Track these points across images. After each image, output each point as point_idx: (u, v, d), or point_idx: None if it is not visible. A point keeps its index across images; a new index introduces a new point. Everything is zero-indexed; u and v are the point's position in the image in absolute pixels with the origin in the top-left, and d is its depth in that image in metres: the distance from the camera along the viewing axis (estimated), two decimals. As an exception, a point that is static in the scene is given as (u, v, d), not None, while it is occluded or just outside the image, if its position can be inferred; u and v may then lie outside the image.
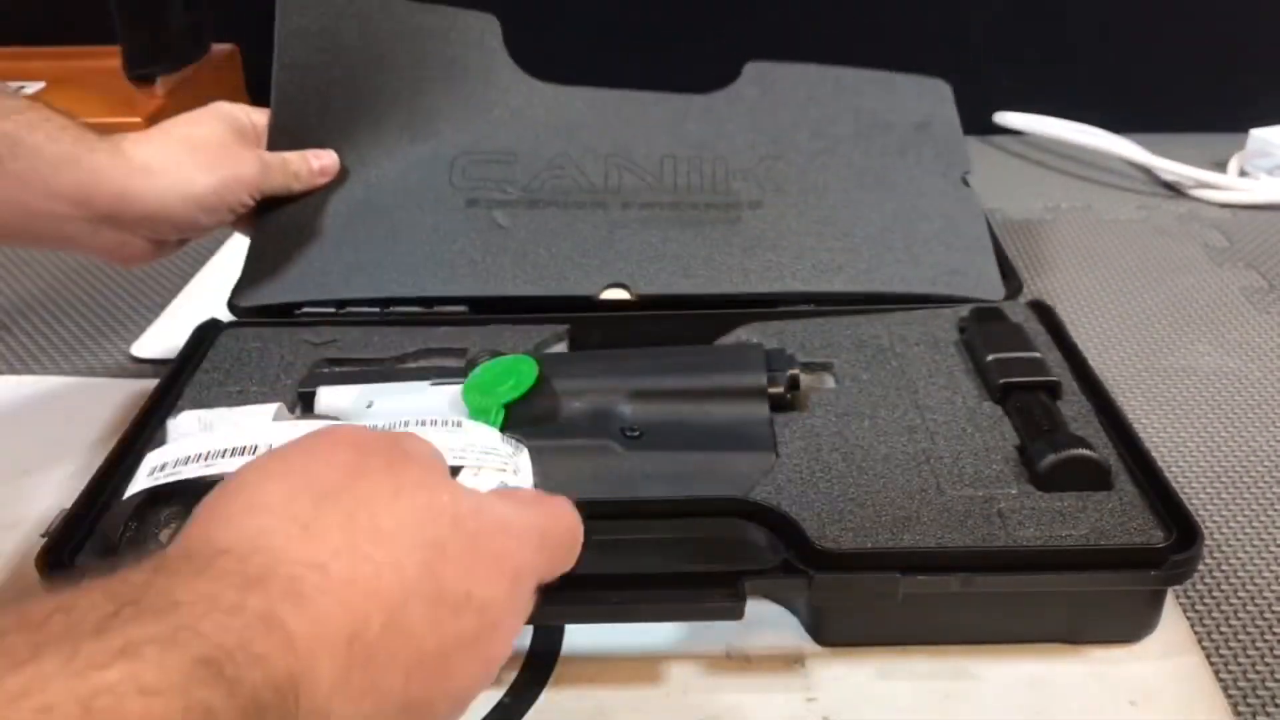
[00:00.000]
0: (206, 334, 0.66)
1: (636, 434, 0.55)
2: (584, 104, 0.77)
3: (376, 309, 0.69)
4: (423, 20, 0.77)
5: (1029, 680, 0.48)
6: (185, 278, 0.84)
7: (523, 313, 0.67)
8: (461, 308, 0.69)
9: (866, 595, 0.47)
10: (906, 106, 0.78)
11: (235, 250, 0.80)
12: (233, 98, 1.04)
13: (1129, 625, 0.50)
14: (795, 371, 0.58)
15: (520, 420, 0.56)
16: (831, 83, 0.78)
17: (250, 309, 0.69)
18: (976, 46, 1.06)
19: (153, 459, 0.52)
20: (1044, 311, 0.65)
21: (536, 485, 0.52)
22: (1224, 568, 0.55)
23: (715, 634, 0.50)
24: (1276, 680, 0.49)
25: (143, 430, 0.57)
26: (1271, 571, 0.55)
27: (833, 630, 0.50)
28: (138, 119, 0.92)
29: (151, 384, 0.62)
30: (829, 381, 0.61)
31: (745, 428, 0.56)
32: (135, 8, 0.93)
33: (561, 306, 0.68)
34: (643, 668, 0.49)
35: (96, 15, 0.94)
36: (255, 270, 0.70)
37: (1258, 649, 0.50)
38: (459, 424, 0.53)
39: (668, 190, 0.73)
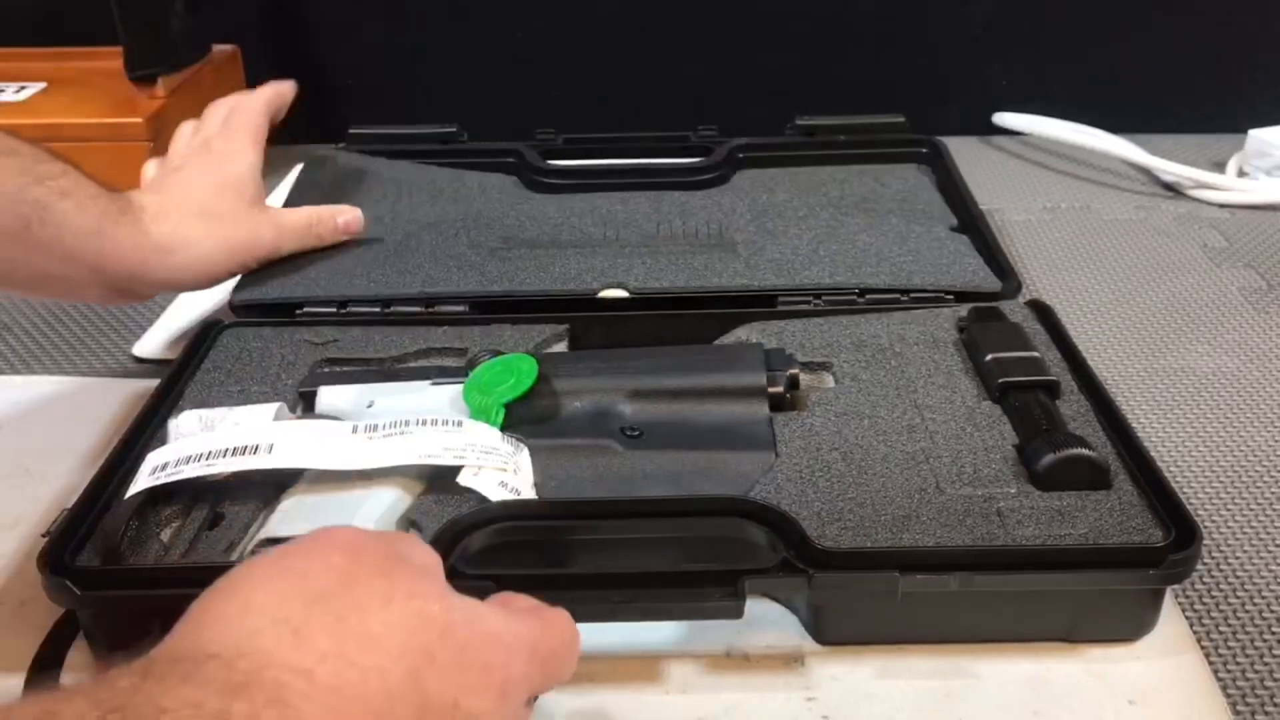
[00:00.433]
0: (207, 333, 0.66)
1: (636, 433, 0.56)
2: (585, 202, 0.81)
3: (377, 309, 0.69)
4: (438, 174, 0.85)
5: (1028, 679, 0.48)
6: (186, 278, 0.84)
7: (523, 312, 0.67)
8: (461, 307, 0.69)
9: (866, 594, 0.47)
10: (888, 184, 0.82)
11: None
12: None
13: (1128, 624, 0.50)
14: (795, 371, 0.59)
15: (520, 420, 0.56)
16: (819, 174, 0.84)
17: (251, 308, 0.69)
18: (976, 46, 1.07)
19: (154, 458, 0.52)
20: (1043, 311, 0.66)
21: (537, 484, 0.53)
22: (1223, 567, 0.55)
23: (715, 633, 0.50)
24: (1275, 679, 0.49)
25: (144, 430, 0.57)
26: (1270, 571, 0.55)
27: (832, 629, 0.50)
28: (138, 119, 0.92)
29: (152, 384, 0.62)
30: (828, 381, 0.61)
31: (745, 427, 0.56)
32: (137, 8, 0.93)
33: (561, 306, 0.68)
34: (643, 666, 0.49)
35: (97, 15, 0.94)
36: (257, 269, 0.70)
37: (1256, 648, 0.51)
38: (459, 423, 0.54)
39: (665, 239, 0.76)
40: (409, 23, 1.07)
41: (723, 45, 1.07)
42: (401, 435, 0.52)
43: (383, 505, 0.51)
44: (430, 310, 0.69)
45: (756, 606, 0.50)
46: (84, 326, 0.79)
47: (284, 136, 1.08)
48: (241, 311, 0.69)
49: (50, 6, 1.07)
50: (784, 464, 0.54)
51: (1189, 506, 0.49)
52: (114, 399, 0.69)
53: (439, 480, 0.52)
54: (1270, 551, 0.56)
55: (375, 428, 0.53)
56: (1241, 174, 0.97)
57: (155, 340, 0.76)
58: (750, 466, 0.53)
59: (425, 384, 0.59)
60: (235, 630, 0.32)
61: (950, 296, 0.68)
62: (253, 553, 0.49)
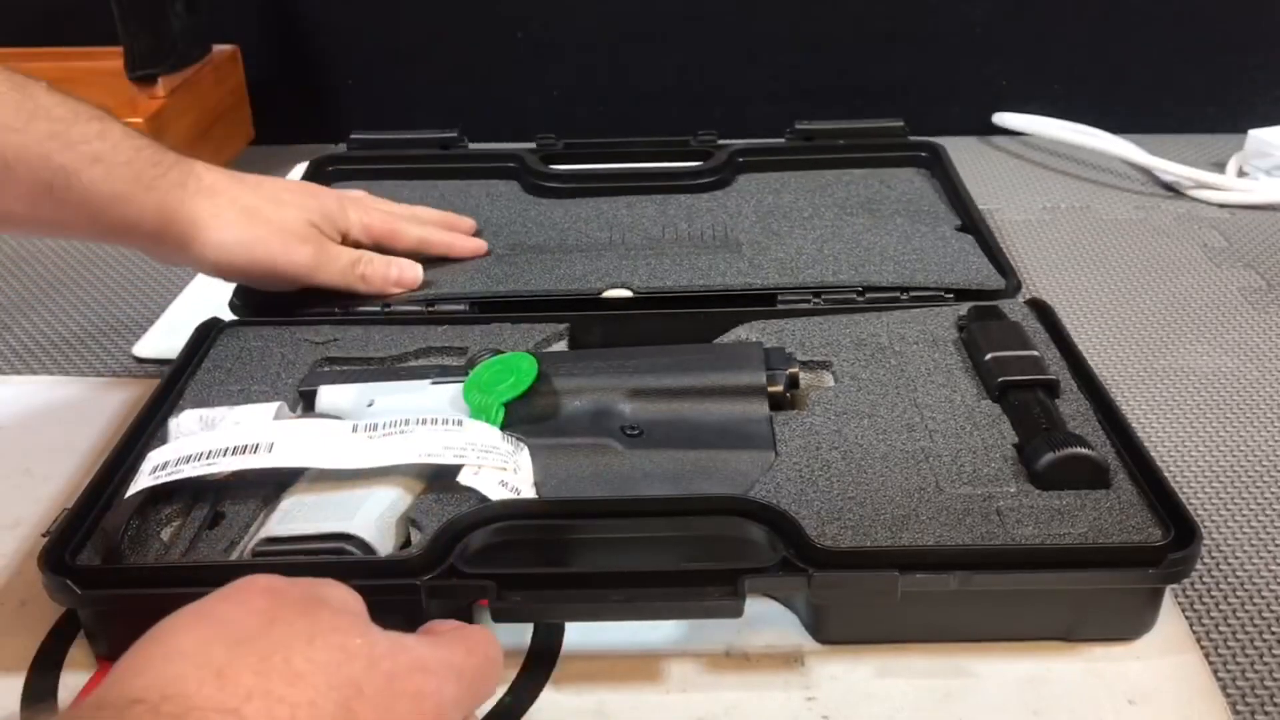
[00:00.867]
0: (207, 333, 0.66)
1: (636, 432, 0.56)
2: (591, 207, 0.81)
3: (377, 308, 0.69)
4: (445, 187, 0.85)
5: (1027, 678, 0.48)
6: (186, 278, 0.84)
7: (523, 311, 0.67)
8: (462, 306, 0.69)
9: (865, 593, 0.47)
10: (893, 186, 0.83)
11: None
12: (234, 98, 1.05)
13: (1127, 623, 0.50)
14: (794, 370, 0.59)
15: (520, 418, 0.56)
16: (824, 177, 0.85)
17: (251, 307, 0.69)
18: (976, 47, 1.07)
19: (154, 458, 0.52)
20: (1043, 310, 0.66)
21: (537, 483, 0.53)
22: (1222, 566, 0.55)
23: (715, 632, 0.50)
24: (1275, 679, 0.49)
25: (144, 429, 0.57)
26: (1270, 571, 0.55)
27: (832, 628, 0.50)
28: (138, 119, 0.92)
29: (152, 384, 0.62)
30: (828, 380, 0.61)
31: (745, 426, 0.56)
32: (137, 8, 0.93)
33: (561, 305, 0.68)
34: (643, 666, 0.49)
35: (97, 15, 0.94)
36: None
37: (1256, 648, 0.51)
38: (459, 423, 0.54)
39: (670, 242, 0.76)
40: (409, 23, 1.07)
41: (722, 46, 1.07)
42: (402, 434, 0.52)
43: (383, 505, 0.51)
44: (430, 310, 0.69)
45: (756, 606, 0.50)
46: (84, 326, 0.79)
47: (284, 137, 1.09)
48: (242, 311, 0.69)
49: (50, 6, 1.07)
50: (784, 463, 0.54)
51: (1189, 506, 0.49)
52: (113, 399, 0.69)
53: (439, 480, 0.52)
54: (1270, 551, 0.56)
55: (375, 427, 0.53)
56: (1241, 174, 0.97)
57: (155, 340, 0.76)
58: (750, 466, 0.53)
59: (425, 383, 0.59)
60: (160, 676, 0.32)
61: (950, 295, 0.68)
62: (253, 552, 0.49)
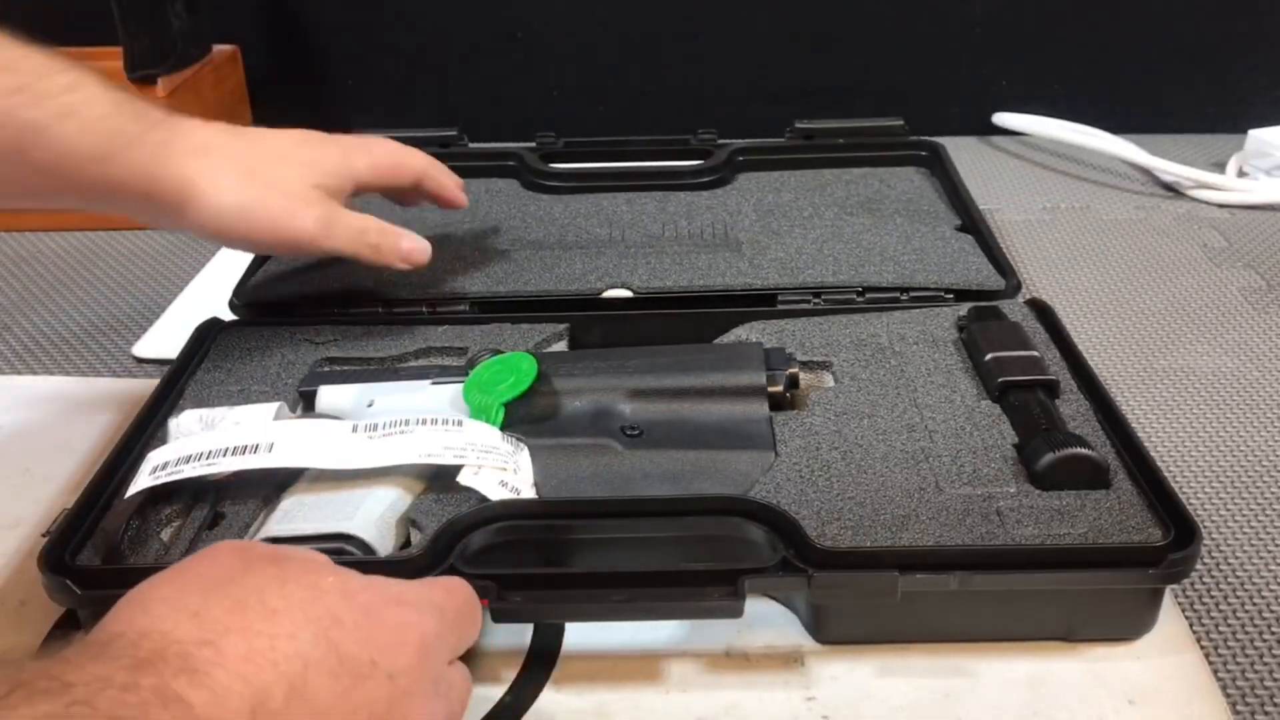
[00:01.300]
0: (207, 333, 0.66)
1: (636, 432, 0.56)
2: (590, 203, 0.81)
3: (377, 308, 0.69)
4: None
5: (1027, 678, 0.48)
6: (185, 278, 0.84)
7: (523, 311, 0.67)
8: (462, 306, 0.69)
9: (865, 594, 0.47)
10: (893, 186, 0.83)
11: (236, 251, 0.80)
12: (234, 98, 1.05)
13: (1127, 624, 0.50)
14: (794, 370, 0.59)
15: (520, 419, 0.56)
16: (824, 176, 0.85)
17: (251, 307, 0.69)
18: (976, 47, 1.07)
19: (154, 458, 0.52)
20: (1042, 310, 0.66)
21: (536, 484, 0.53)
22: (1222, 566, 0.55)
23: (715, 632, 0.50)
24: (1275, 679, 0.49)
25: (144, 429, 0.57)
26: (1270, 571, 0.55)
27: (832, 628, 0.50)
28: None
29: (152, 384, 0.62)
30: (828, 380, 0.61)
31: (745, 426, 0.56)
32: (137, 8, 0.93)
33: (561, 305, 0.68)
34: (643, 666, 0.49)
35: (96, 15, 0.94)
36: (258, 267, 0.70)
37: (1256, 648, 0.51)
38: (459, 423, 0.54)
39: (670, 240, 0.76)
40: (409, 23, 1.07)
41: (722, 46, 1.07)
42: (402, 434, 0.52)
43: (383, 505, 0.51)
44: (430, 310, 0.69)
45: (756, 606, 0.50)
46: (84, 326, 0.79)
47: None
48: (241, 311, 0.69)
49: (50, 6, 1.07)
50: (783, 463, 0.54)
51: (1189, 506, 0.49)
52: (113, 399, 0.69)
53: (439, 480, 0.52)
54: (1270, 551, 0.56)
55: (375, 427, 0.53)
56: (1241, 174, 0.97)
57: (155, 340, 0.76)
58: (750, 466, 0.53)
59: (425, 383, 0.59)
60: (136, 620, 0.33)
61: (950, 295, 0.68)
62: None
